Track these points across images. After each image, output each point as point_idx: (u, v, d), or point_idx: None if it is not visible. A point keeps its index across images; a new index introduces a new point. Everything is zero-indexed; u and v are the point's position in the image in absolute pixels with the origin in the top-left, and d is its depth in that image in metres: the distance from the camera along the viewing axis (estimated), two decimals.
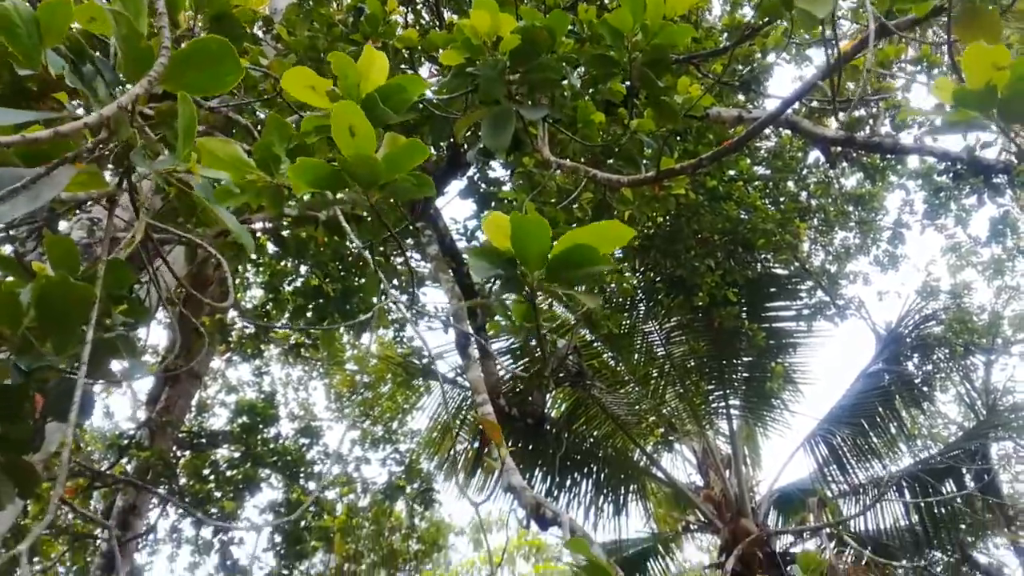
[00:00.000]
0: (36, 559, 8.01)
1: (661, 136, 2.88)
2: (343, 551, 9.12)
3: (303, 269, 6.67)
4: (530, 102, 2.28)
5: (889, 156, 6.34)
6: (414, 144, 1.27)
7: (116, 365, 1.75)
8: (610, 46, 2.24)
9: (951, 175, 5.98)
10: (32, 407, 1.72)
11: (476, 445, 10.26)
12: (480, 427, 9.44)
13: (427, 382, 10.59)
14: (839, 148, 5.27)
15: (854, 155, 6.27)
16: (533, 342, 9.17)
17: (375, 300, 4.82)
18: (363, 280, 4.83)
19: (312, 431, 9.42)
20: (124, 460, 7.37)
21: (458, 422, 10.20)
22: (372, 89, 1.39)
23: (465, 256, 5.90)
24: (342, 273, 4.81)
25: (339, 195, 1.36)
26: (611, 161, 3.39)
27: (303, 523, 7.89)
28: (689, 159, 3.61)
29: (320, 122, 1.53)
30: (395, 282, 7.08)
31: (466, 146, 4.14)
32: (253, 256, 7.93)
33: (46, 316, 1.49)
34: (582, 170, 3.07)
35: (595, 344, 9.48)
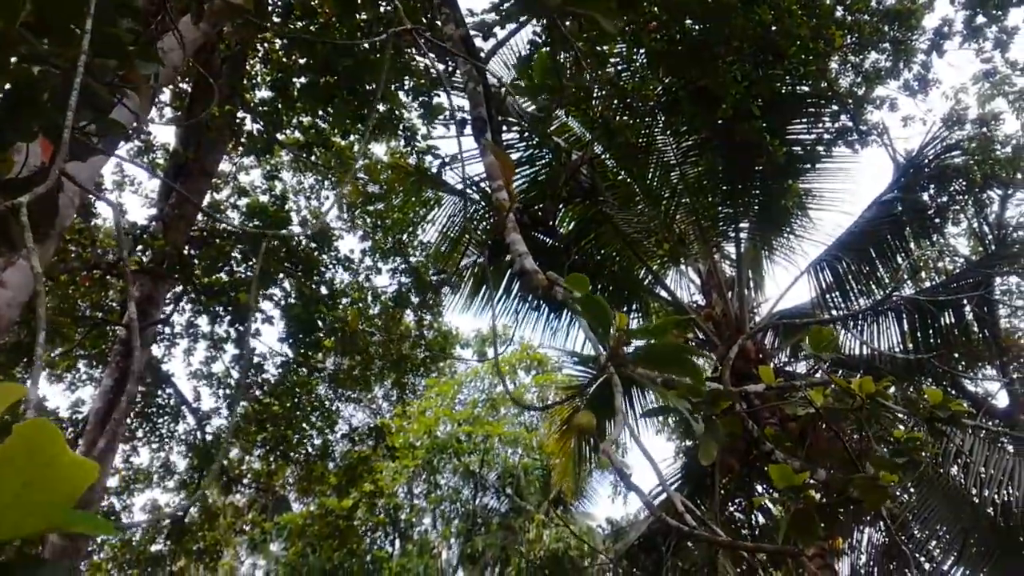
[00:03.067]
0: (56, 341, 8.36)
1: None
2: (354, 326, 9.37)
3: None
4: None
5: None
6: None
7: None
8: None
9: None
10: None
11: (485, 257, 10.38)
12: (494, 214, 9.49)
13: (437, 195, 10.53)
14: None
15: None
16: (547, 154, 9.04)
17: (391, 89, 4.65)
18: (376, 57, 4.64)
19: (323, 238, 9.51)
20: (139, 250, 7.48)
21: (467, 236, 10.26)
22: None
23: (483, 52, 5.65)
24: (355, 55, 4.62)
25: None
26: None
27: (317, 316, 8.12)
28: None
29: None
30: (407, 80, 6.86)
31: None
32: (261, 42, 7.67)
33: (44, 7, 1.40)
34: None
35: (608, 159, 9.34)
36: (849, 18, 8.19)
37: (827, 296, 10.19)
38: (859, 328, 10.29)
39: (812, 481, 2.39)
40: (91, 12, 1.35)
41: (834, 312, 10.22)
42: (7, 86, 1.53)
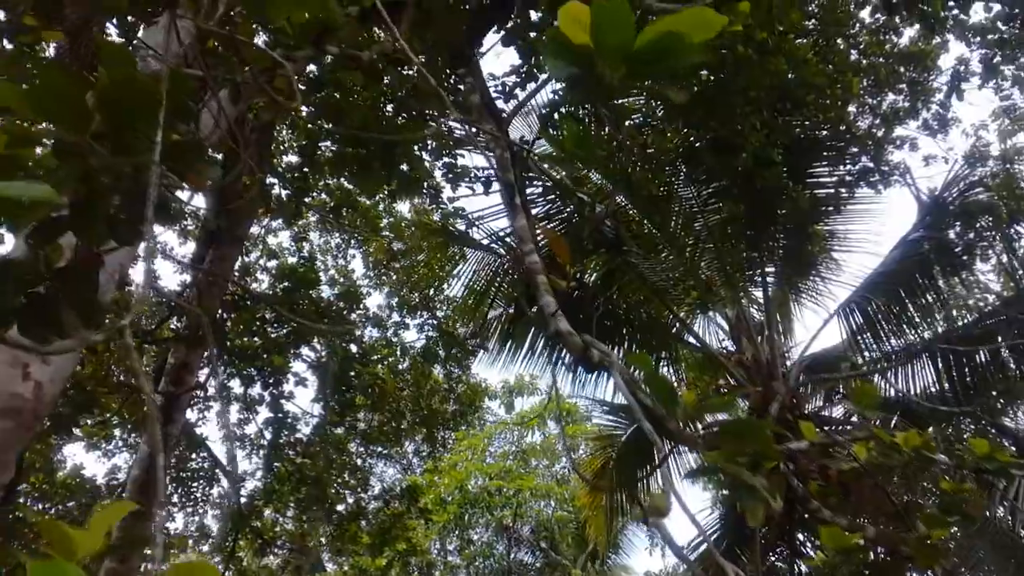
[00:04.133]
0: (94, 410, 8.47)
1: None
2: (391, 390, 9.43)
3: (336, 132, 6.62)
4: None
5: (952, 3, 5.99)
6: None
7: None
8: None
9: (1019, 22, 5.64)
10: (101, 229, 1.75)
11: (511, 310, 10.45)
12: (518, 285, 9.56)
13: (462, 250, 10.64)
14: None
15: (914, 2, 5.93)
16: (570, 208, 9.15)
17: (416, 152, 4.78)
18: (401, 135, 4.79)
19: (352, 296, 9.63)
20: (173, 320, 7.63)
21: (493, 289, 10.35)
22: None
23: (505, 111, 5.78)
24: (382, 123, 4.76)
25: None
26: None
27: (351, 373, 8.18)
28: None
29: None
30: (431, 144, 7.02)
31: None
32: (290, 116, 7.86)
33: (113, 118, 1.49)
34: None
35: (630, 210, 9.41)
36: (864, 61, 8.29)
37: (858, 338, 10.10)
38: (893, 369, 10.18)
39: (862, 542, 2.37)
40: (160, 123, 1.43)
41: (867, 354, 10.13)
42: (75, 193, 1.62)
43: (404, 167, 4.61)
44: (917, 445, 2.79)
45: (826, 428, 9.61)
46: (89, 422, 8.56)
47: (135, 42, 2.95)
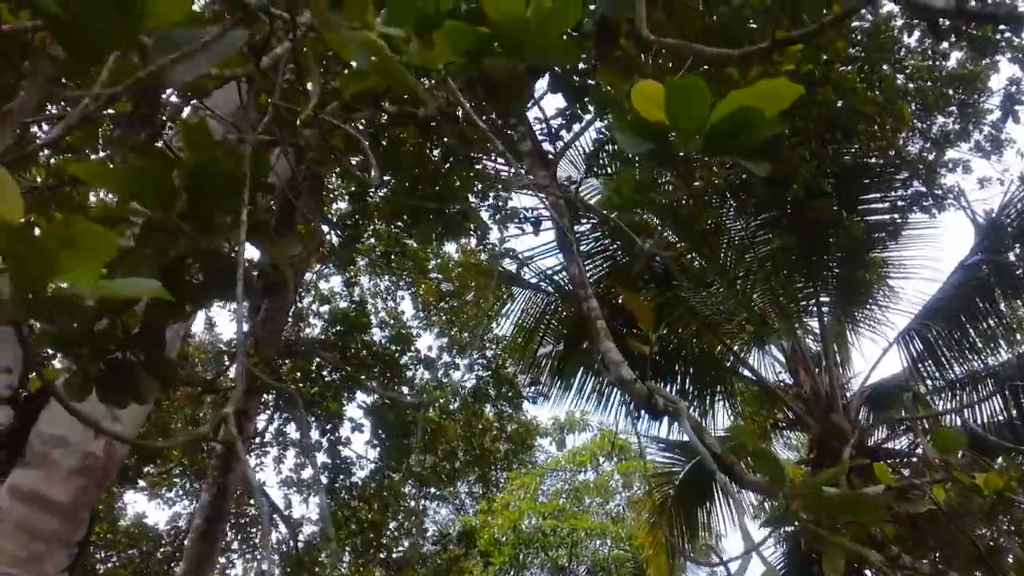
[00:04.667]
0: (157, 462, 8.65)
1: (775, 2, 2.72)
2: (452, 439, 9.44)
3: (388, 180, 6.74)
4: None
5: (1003, 28, 5.90)
6: (568, 3, 1.23)
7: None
8: None
9: None
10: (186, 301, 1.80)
11: (561, 347, 10.43)
12: (570, 325, 9.54)
13: (510, 288, 10.68)
14: (947, 21, 4.92)
15: (963, 28, 5.84)
16: (616, 244, 9.14)
17: (470, 198, 4.84)
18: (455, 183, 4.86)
19: (403, 338, 9.71)
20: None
21: (542, 327, 10.36)
22: None
23: (551, 154, 5.83)
24: (430, 168, 4.84)
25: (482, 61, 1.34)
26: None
27: (407, 417, 8.23)
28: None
29: None
30: (479, 186, 7.09)
31: None
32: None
33: (197, 198, 1.54)
34: (686, 47, 2.95)
35: (679, 244, 9.37)
36: (912, 86, 8.18)
37: (919, 366, 9.83)
38: (957, 397, 9.88)
39: None
40: (245, 201, 1.48)
41: (929, 382, 9.85)
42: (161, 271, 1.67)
43: (455, 211, 4.67)
44: (999, 487, 2.70)
45: (891, 461, 9.33)
46: (152, 472, 8.74)
47: (203, 109, 3.06)
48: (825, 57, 6.69)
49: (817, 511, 1.58)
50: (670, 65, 3.86)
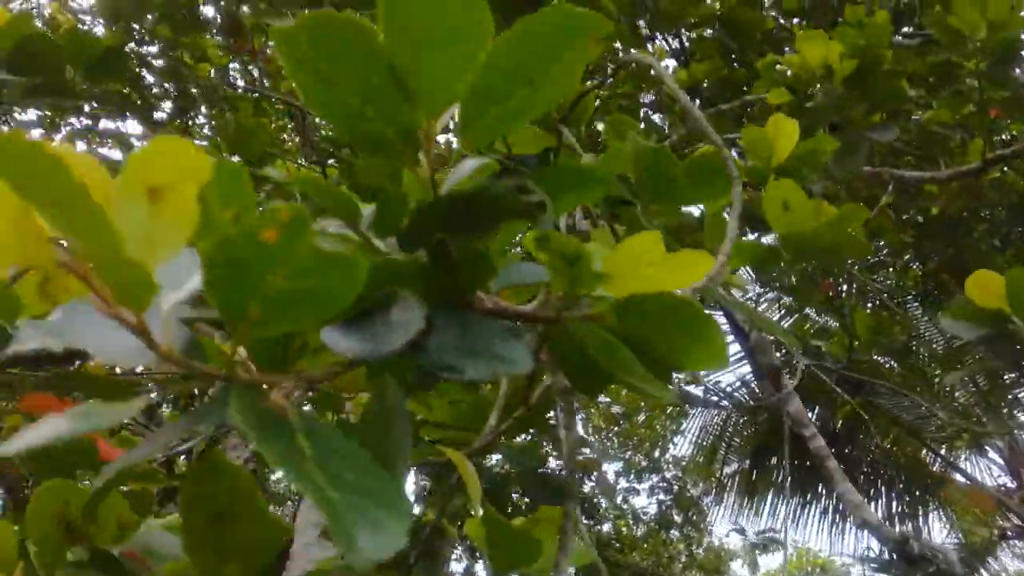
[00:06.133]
0: None
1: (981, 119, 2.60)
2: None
3: None
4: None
5: None
6: (854, 210, 1.22)
7: None
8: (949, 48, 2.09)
9: None
10: None
11: (747, 464, 9.94)
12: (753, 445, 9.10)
13: (682, 406, 10.43)
14: None
15: None
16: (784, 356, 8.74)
17: None
18: None
19: (583, 465, 9.57)
20: None
21: (724, 443, 9.97)
22: (784, 157, 1.36)
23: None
24: None
25: None
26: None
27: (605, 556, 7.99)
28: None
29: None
30: None
31: None
32: None
33: None
34: (886, 173, 2.87)
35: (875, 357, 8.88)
36: None
37: None
38: None
39: None
40: None
41: None
42: None
43: None
44: None
45: None
46: None
47: None
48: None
49: None
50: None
